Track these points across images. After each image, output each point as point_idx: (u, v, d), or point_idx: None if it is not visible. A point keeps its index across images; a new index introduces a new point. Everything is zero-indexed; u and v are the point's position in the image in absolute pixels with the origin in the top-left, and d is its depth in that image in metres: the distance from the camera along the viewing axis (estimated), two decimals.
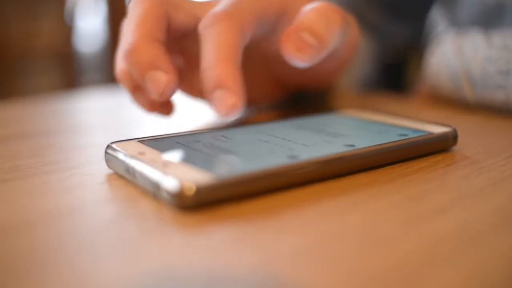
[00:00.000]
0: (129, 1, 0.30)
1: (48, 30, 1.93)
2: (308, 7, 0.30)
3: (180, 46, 0.32)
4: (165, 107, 0.33)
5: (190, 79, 0.34)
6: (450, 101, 0.41)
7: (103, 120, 0.40)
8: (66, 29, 2.02)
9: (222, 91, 0.25)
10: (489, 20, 0.44)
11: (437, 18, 0.50)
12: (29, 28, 1.87)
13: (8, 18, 1.82)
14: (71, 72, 2.07)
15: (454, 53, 0.40)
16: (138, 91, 0.32)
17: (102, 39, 2.32)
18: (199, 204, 0.19)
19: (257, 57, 0.34)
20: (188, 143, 0.25)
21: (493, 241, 0.17)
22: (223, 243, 0.17)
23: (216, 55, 0.26)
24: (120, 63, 0.32)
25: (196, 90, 0.35)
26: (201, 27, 0.27)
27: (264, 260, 0.16)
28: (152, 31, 0.28)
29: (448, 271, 0.15)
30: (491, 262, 0.16)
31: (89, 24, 2.31)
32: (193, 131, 0.27)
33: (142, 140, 0.25)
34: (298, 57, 0.28)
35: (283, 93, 0.39)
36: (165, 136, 0.26)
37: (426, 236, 0.17)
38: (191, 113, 0.38)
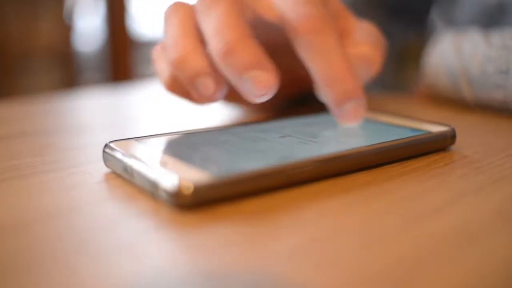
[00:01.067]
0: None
1: (47, 30, 1.93)
2: (364, 36, 0.31)
3: None
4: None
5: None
6: (448, 100, 0.41)
7: (102, 119, 0.40)
8: (65, 28, 2.01)
9: (354, 102, 0.26)
10: (490, 20, 0.44)
11: (437, 18, 0.50)
12: (29, 27, 1.87)
13: (8, 17, 1.82)
14: (70, 71, 2.07)
15: (453, 52, 0.40)
16: (193, 81, 0.31)
17: (101, 38, 2.32)
18: (197, 203, 0.19)
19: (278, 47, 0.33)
20: (186, 142, 0.25)
21: (491, 240, 0.17)
22: (221, 242, 0.17)
23: (340, 66, 0.26)
24: (179, 51, 0.29)
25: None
26: (305, 32, 0.27)
27: (261, 259, 0.16)
28: (246, 28, 0.26)
29: (447, 270, 0.15)
30: (489, 261, 0.16)
31: (88, 24, 2.31)
32: (191, 130, 0.27)
33: (140, 139, 0.25)
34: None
35: (295, 90, 0.39)
36: (163, 135, 0.26)
37: (424, 235, 0.17)
38: (190, 113, 0.38)
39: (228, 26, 0.26)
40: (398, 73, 0.68)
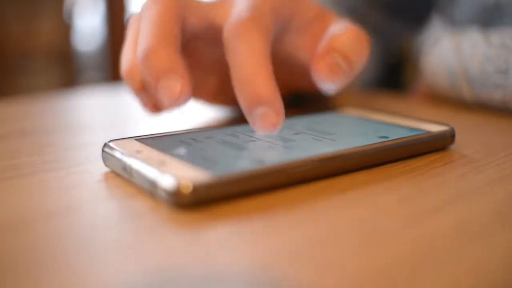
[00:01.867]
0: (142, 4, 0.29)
1: (47, 29, 1.93)
2: (339, 29, 0.30)
3: (188, 48, 0.31)
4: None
5: (199, 82, 0.33)
6: (448, 100, 0.41)
7: (102, 118, 0.40)
8: (65, 28, 2.01)
9: (264, 108, 0.24)
10: (488, 20, 0.44)
11: (436, 17, 0.50)
12: (28, 27, 1.87)
13: (7, 17, 1.82)
14: (70, 70, 2.07)
15: (452, 52, 0.40)
16: (143, 91, 0.31)
17: (101, 37, 2.32)
18: (196, 202, 0.19)
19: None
20: (185, 141, 0.25)
21: (491, 240, 0.17)
22: (220, 241, 0.17)
23: (252, 67, 0.25)
24: (127, 62, 0.30)
25: (204, 93, 0.34)
26: (228, 35, 0.26)
27: (260, 259, 0.16)
28: (169, 35, 0.26)
29: (446, 269, 0.15)
30: (488, 260, 0.16)
31: (87, 23, 2.31)
32: (190, 129, 0.27)
33: (139, 139, 0.25)
34: (330, 78, 0.28)
35: (285, 93, 0.39)
36: (162, 134, 0.26)
37: (424, 235, 0.17)
38: (189, 112, 0.38)
39: (153, 29, 0.26)
40: (398, 73, 0.68)
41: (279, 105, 0.25)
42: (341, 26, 0.31)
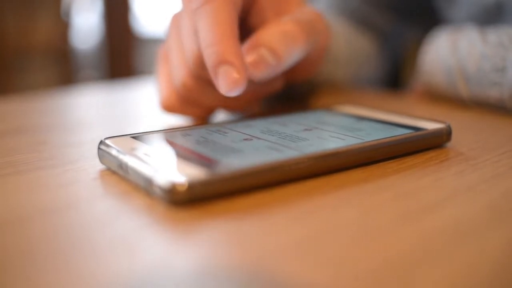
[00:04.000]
0: None
1: (45, 27, 1.92)
2: (276, 22, 0.31)
3: None
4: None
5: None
6: (445, 97, 0.41)
7: (99, 116, 0.40)
8: (63, 25, 2.01)
9: (226, 66, 0.26)
10: (488, 20, 0.44)
11: (437, 18, 0.50)
12: (26, 24, 1.86)
13: (5, 15, 1.81)
14: (68, 68, 2.06)
15: (449, 50, 0.40)
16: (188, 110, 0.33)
17: (99, 35, 2.31)
18: (192, 199, 0.19)
19: None
20: (180, 138, 0.25)
21: (486, 237, 0.17)
22: (215, 238, 0.17)
23: (217, 32, 0.27)
24: (168, 92, 0.32)
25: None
26: (194, 6, 0.28)
27: (256, 256, 0.16)
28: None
29: (441, 266, 0.15)
30: (484, 257, 0.16)
31: (85, 21, 2.30)
32: (186, 127, 0.27)
33: (135, 136, 0.25)
34: (255, 73, 0.29)
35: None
36: (158, 131, 0.26)
37: (419, 232, 0.17)
38: None
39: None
40: (396, 71, 0.68)
41: (241, 64, 0.26)
42: (279, 20, 0.31)
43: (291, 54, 0.30)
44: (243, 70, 0.27)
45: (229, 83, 0.26)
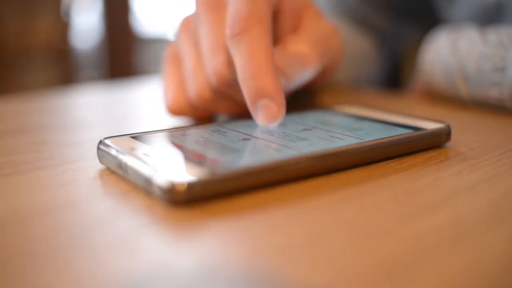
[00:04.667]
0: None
1: (45, 27, 1.92)
2: (292, 43, 0.31)
3: None
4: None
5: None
6: (444, 97, 0.41)
7: (98, 116, 0.40)
8: (62, 25, 2.01)
9: (266, 101, 0.26)
10: (488, 20, 0.44)
11: (437, 18, 0.50)
12: (26, 24, 1.86)
13: (5, 15, 1.81)
14: (67, 68, 2.06)
15: (449, 49, 0.40)
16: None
17: (98, 35, 2.31)
18: (191, 199, 0.19)
19: None
20: (180, 138, 0.25)
21: (486, 237, 0.17)
22: (215, 238, 0.17)
23: (256, 65, 0.26)
24: (178, 97, 0.32)
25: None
26: (230, 34, 0.27)
27: (256, 255, 0.16)
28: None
29: (441, 266, 0.15)
30: (484, 257, 0.16)
31: (85, 21, 2.30)
32: (185, 126, 0.27)
33: (135, 136, 0.25)
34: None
35: None
36: (158, 131, 0.26)
37: (419, 232, 0.17)
38: None
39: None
40: (396, 71, 0.68)
41: (281, 98, 0.27)
42: (305, 34, 0.32)
43: (301, 77, 0.31)
44: (282, 104, 0.27)
45: (268, 117, 0.27)
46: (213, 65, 0.29)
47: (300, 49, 0.31)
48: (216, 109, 0.32)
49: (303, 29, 0.33)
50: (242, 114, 0.33)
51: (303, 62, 0.30)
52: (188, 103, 0.32)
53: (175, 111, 0.32)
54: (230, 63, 0.29)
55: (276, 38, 0.32)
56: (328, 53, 0.33)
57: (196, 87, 0.31)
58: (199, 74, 0.31)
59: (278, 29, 0.32)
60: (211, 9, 0.30)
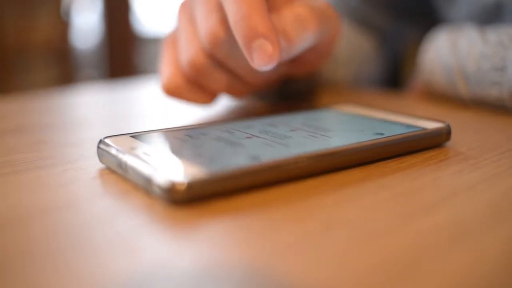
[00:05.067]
0: None
1: (44, 26, 1.92)
2: (287, 7, 0.31)
3: None
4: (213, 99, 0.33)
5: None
6: (444, 97, 0.41)
7: (98, 115, 0.40)
8: (62, 25, 2.01)
9: (261, 40, 0.26)
10: (487, 19, 0.44)
11: (437, 17, 0.50)
12: (26, 24, 1.86)
13: (5, 14, 1.81)
14: (68, 68, 2.06)
15: (449, 49, 0.40)
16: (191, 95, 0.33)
17: (98, 35, 2.31)
18: (191, 198, 0.19)
19: None
20: (180, 138, 0.25)
21: (485, 236, 0.17)
22: (215, 237, 0.17)
23: (247, 5, 0.26)
24: (173, 73, 0.32)
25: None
26: None
27: (256, 254, 0.16)
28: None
29: (440, 265, 0.15)
30: (484, 256, 0.16)
31: (85, 20, 2.30)
32: (185, 126, 0.27)
33: (135, 135, 0.25)
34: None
35: (275, 79, 0.39)
36: (158, 131, 0.26)
37: (418, 231, 0.17)
38: (186, 109, 0.38)
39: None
40: (396, 70, 0.68)
41: (275, 37, 0.26)
42: (294, 4, 0.31)
43: (303, 39, 0.30)
44: (277, 44, 0.26)
45: (264, 58, 0.26)
46: (206, 27, 0.29)
47: (298, 11, 0.30)
48: (209, 82, 0.32)
49: (298, 1, 0.32)
50: (237, 93, 0.33)
51: (302, 23, 0.30)
52: (183, 78, 0.32)
53: (169, 90, 0.32)
54: (222, 22, 0.29)
55: (271, 9, 0.32)
56: (325, 22, 0.32)
57: (188, 55, 0.30)
58: (192, 41, 0.31)
59: (272, 3, 0.32)
60: None
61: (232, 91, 0.33)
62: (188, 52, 0.31)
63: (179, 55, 0.32)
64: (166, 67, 0.33)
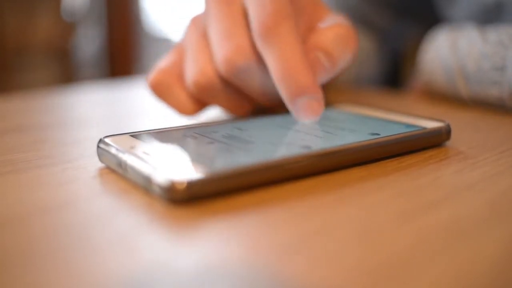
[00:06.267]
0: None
1: (45, 25, 1.92)
2: (328, 26, 0.30)
3: None
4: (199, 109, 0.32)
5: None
6: (444, 96, 0.41)
7: (98, 114, 0.40)
8: (63, 24, 2.01)
9: (307, 98, 0.26)
10: (487, 19, 0.44)
11: (437, 17, 0.50)
12: (26, 23, 1.86)
13: (5, 13, 1.81)
14: (68, 67, 2.06)
15: (449, 48, 0.40)
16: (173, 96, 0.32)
17: (100, 34, 2.31)
18: (191, 198, 0.19)
19: None
20: (180, 137, 0.25)
21: (485, 235, 0.17)
22: (215, 236, 0.17)
23: (293, 62, 0.26)
24: (166, 72, 0.31)
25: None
26: (260, 30, 0.27)
27: (255, 254, 0.16)
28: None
29: (440, 265, 0.15)
30: (483, 256, 0.16)
31: (85, 19, 2.30)
32: (185, 125, 0.27)
33: (135, 134, 0.25)
34: None
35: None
36: (157, 130, 0.26)
37: (419, 230, 0.17)
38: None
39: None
40: (396, 70, 0.68)
41: (320, 92, 0.27)
42: (330, 21, 0.31)
43: (345, 58, 0.30)
44: (322, 99, 0.27)
45: (310, 114, 0.27)
46: (224, 51, 0.28)
47: (340, 31, 0.30)
48: (209, 101, 0.31)
49: (326, 18, 0.32)
50: (238, 111, 0.32)
51: (345, 42, 0.30)
52: (172, 79, 0.31)
53: (155, 85, 0.31)
54: (242, 50, 0.28)
55: (306, 24, 0.31)
56: (357, 37, 0.32)
57: (196, 71, 0.30)
58: (201, 57, 0.30)
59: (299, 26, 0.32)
60: (222, 2, 0.29)
61: (234, 109, 0.32)
62: (197, 69, 0.30)
63: (185, 70, 0.31)
64: (160, 64, 0.32)
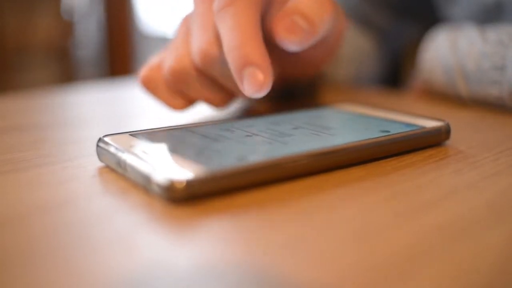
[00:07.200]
0: None
1: (45, 25, 1.92)
2: None
3: None
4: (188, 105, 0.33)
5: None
6: (444, 96, 0.41)
7: (98, 114, 0.40)
8: (63, 23, 2.01)
9: (252, 68, 0.26)
10: (487, 19, 0.44)
11: (437, 17, 0.50)
12: (26, 22, 1.86)
13: (5, 12, 1.81)
14: (68, 66, 2.06)
15: (448, 48, 0.40)
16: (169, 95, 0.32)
17: (99, 33, 2.31)
18: (190, 197, 0.19)
19: None
20: (179, 136, 0.25)
21: (485, 235, 0.17)
22: (214, 235, 0.17)
23: (241, 34, 0.26)
24: (153, 70, 0.32)
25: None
26: (217, 8, 0.27)
27: (254, 253, 0.16)
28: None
29: (440, 264, 0.15)
30: (482, 255, 0.16)
31: (85, 19, 2.30)
32: (184, 124, 0.27)
33: (134, 134, 0.25)
34: (289, 39, 0.28)
35: (277, 82, 0.39)
36: (157, 129, 0.26)
37: (418, 230, 0.17)
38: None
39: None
40: (396, 69, 0.68)
41: (267, 65, 0.26)
42: None
43: (323, 19, 0.30)
44: (269, 72, 0.26)
45: (254, 85, 0.26)
46: (199, 43, 0.29)
47: None
48: (189, 91, 0.32)
49: None
50: (217, 103, 0.32)
51: (321, 6, 0.29)
52: (162, 79, 0.32)
53: (144, 80, 0.32)
54: (216, 41, 0.29)
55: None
56: (337, 10, 0.32)
57: (171, 59, 0.30)
58: (181, 50, 0.31)
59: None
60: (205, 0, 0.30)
61: (212, 101, 0.32)
62: (173, 58, 0.31)
63: (165, 58, 0.32)
64: (150, 61, 0.33)
